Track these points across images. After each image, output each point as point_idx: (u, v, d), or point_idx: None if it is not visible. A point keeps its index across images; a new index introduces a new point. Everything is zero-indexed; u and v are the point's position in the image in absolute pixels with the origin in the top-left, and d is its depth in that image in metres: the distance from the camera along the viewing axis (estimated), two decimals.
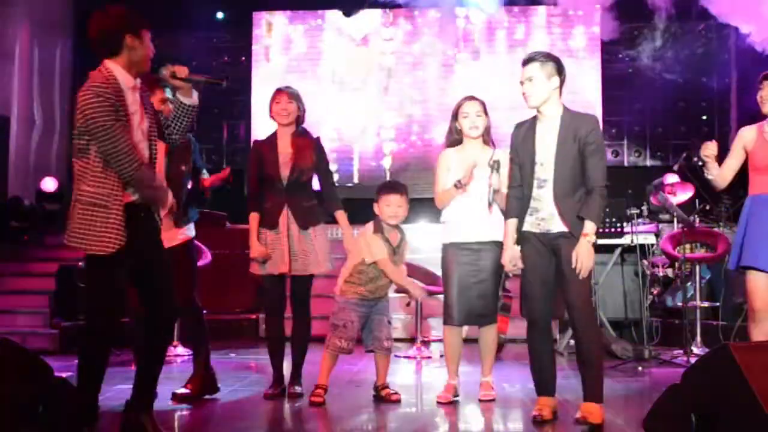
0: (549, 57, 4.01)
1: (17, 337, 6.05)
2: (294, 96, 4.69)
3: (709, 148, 4.24)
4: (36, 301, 7.60)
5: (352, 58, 11.32)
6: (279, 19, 11.53)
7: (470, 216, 4.43)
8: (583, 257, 3.77)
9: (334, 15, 11.38)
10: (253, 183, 4.72)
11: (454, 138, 4.56)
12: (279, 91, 4.73)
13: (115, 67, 3.37)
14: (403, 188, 4.60)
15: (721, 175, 4.28)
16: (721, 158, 4.30)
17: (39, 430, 3.27)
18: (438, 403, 4.46)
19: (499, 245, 4.38)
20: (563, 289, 3.90)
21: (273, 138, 4.73)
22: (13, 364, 3.32)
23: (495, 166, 4.29)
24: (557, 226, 3.89)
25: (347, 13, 11.36)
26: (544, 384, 4.04)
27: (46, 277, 7.73)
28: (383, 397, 4.58)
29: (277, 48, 11.45)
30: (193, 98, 3.59)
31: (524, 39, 11.19)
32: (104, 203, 3.23)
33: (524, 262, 4.02)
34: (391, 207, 4.49)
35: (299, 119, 4.72)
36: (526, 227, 3.98)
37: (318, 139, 4.77)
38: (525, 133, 4.02)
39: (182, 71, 3.53)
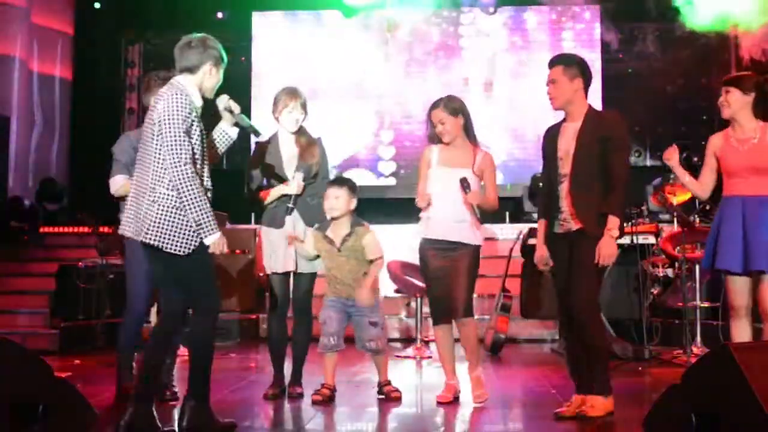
0: (572, 59, 4.08)
1: (17, 337, 6.05)
2: (305, 104, 4.71)
3: (670, 153, 4.37)
4: (36, 301, 7.60)
5: (351, 59, 11.33)
6: (279, 19, 11.54)
7: (446, 215, 4.39)
8: (605, 252, 3.84)
9: (333, 15, 11.39)
10: (254, 182, 4.75)
11: (433, 139, 4.54)
12: (291, 97, 4.69)
13: (189, 84, 3.67)
14: (339, 181, 4.57)
15: (700, 184, 4.37)
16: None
17: (39, 430, 3.27)
18: (438, 403, 4.46)
19: (475, 248, 4.41)
20: (570, 283, 3.94)
21: (275, 139, 4.77)
22: (13, 364, 3.32)
23: (465, 185, 4.31)
24: (576, 224, 3.95)
25: (347, 14, 11.37)
26: (580, 382, 4.06)
27: (46, 277, 7.72)
28: (385, 394, 4.62)
29: (277, 48, 11.46)
30: (234, 133, 3.96)
31: (525, 39, 11.20)
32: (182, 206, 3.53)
33: (555, 262, 4.07)
34: (328, 200, 4.49)
35: (303, 122, 4.75)
36: (555, 229, 4.06)
37: (319, 139, 4.81)
38: (552, 132, 4.10)
39: (236, 107, 3.91)
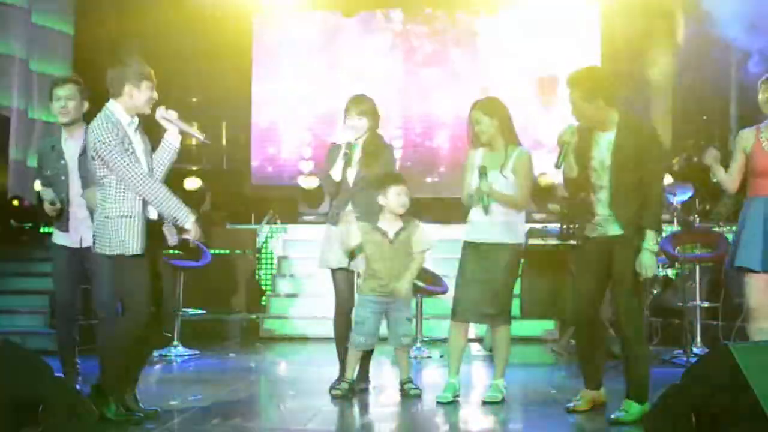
0: (587, 80, 4.00)
1: (17, 337, 6.06)
2: (363, 112, 4.76)
3: (711, 155, 4.33)
4: (36, 301, 7.59)
5: (352, 59, 11.33)
6: (279, 19, 11.53)
7: (486, 218, 4.43)
8: (646, 266, 3.89)
9: (334, 15, 11.39)
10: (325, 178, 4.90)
11: (476, 141, 4.57)
12: (351, 104, 4.79)
13: (115, 107, 3.93)
14: (401, 179, 4.72)
15: (730, 178, 4.33)
16: (723, 157, 4.36)
17: (39, 430, 3.27)
18: (438, 403, 4.46)
19: (513, 247, 4.44)
20: (614, 291, 4.03)
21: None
22: (13, 364, 3.32)
23: (482, 171, 4.36)
24: (613, 229, 4.00)
25: (347, 14, 11.37)
26: (588, 377, 4.19)
27: (46, 277, 7.70)
28: (404, 392, 4.65)
29: (278, 48, 11.46)
30: (177, 141, 4.11)
31: (524, 39, 11.20)
32: (129, 215, 3.83)
33: (579, 264, 4.15)
34: (399, 197, 4.59)
35: (371, 128, 4.82)
36: (588, 232, 4.09)
37: (390, 147, 4.96)
38: (584, 137, 4.05)
39: (171, 115, 4.06)
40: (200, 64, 11.44)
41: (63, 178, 4.60)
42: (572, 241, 4.31)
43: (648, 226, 3.91)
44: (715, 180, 4.41)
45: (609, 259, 4.01)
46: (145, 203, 3.88)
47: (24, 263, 8.57)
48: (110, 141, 3.80)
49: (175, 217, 3.87)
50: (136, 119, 3.99)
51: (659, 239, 3.97)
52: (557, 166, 4.06)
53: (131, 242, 3.82)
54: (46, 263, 8.17)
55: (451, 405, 4.43)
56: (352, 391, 4.64)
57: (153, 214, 3.95)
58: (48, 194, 4.58)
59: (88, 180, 4.46)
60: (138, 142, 3.95)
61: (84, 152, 4.49)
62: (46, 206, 4.60)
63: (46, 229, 9.31)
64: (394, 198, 4.57)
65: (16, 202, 9.17)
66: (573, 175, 4.08)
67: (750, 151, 4.20)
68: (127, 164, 3.81)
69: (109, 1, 11.11)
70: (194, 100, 11.36)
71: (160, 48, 11.27)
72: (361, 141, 4.81)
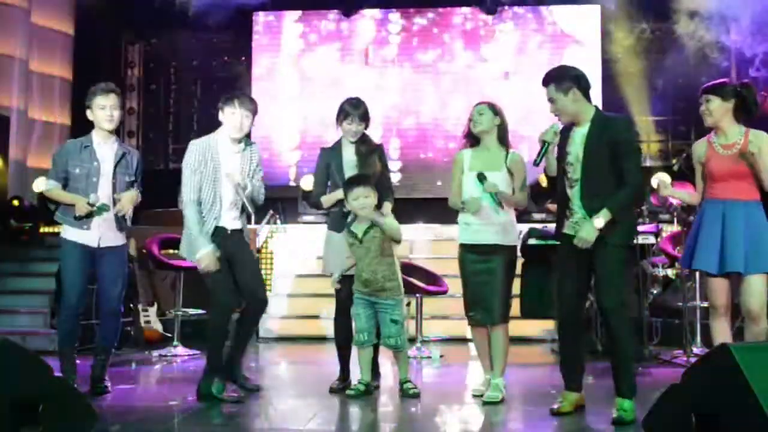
0: (562, 73, 4.10)
1: (17, 337, 6.05)
2: (362, 116, 4.84)
3: (663, 184, 4.59)
4: (36, 301, 7.59)
5: (351, 60, 11.33)
6: (279, 18, 11.54)
7: (483, 220, 4.50)
8: (580, 234, 3.93)
9: (334, 15, 11.40)
10: (319, 187, 4.94)
11: (469, 138, 4.64)
12: (350, 108, 4.84)
13: (222, 131, 4.61)
14: (364, 180, 4.68)
15: (695, 194, 4.51)
16: None
17: (39, 430, 3.27)
18: (473, 396, 4.61)
19: (509, 249, 4.52)
20: (597, 290, 4.07)
21: (338, 146, 4.92)
22: (13, 364, 3.32)
23: (480, 177, 4.45)
24: None
25: (347, 14, 11.37)
26: (570, 379, 4.22)
27: (46, 277, 7.71)
28: (403, 392, 4.68)
29: (278, 48, 11.47)
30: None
31: (524, 39, 11.20)
32: (188, 229, 4.49)
33: (560, 263, 4.17)
34: (358, 200, 4.61)
35: (364, 131, 4.91)
36: (565, 230, 4.13)
37: (381, 146, 5.01)
38: (564, 134, 4.13)
39: (233, 179, 4.56)
40: (200, 64, 11.44)
41: (94, 179, 4.65)
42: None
43: (607, 204, 3.90)
44: (684, 203, 4.75)
45: (589, 258, 4.02)
46: (220, 217, 4.55)
47: (24, 263, 8.57)
48: (188, 162, 4.49)
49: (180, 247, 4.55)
50: (239, 146, 4.60)
51: (606, 224, 3.89)
52: (536, 164, 4.11)
53: (186, 252, 4.53)
54: (46, 263, 8.19)
55: (452, 405, 4.43)
56: (368, 391, 4.69)
57: (235, 225, 4.65)
58: (93, 198, 4.63)
59: (116, 186, 4.71)
60: (229, 165, 4.55)
61: (120, 160, 4.72)
62: (82, 205, 4.58)
63: (46, 229, 9.34)
64: (353, 203, 4.62)
65: (16, 202, 9.18)
66: (552, 173, 4.16)
67: (705, 159, 4.34)
68: (184, 184, 4.50)
69: (109, 2, 11.12)
70: (194, 100, 11.36)
71: (160, 47, 11.30)
72: (354, 145, 4.87)
